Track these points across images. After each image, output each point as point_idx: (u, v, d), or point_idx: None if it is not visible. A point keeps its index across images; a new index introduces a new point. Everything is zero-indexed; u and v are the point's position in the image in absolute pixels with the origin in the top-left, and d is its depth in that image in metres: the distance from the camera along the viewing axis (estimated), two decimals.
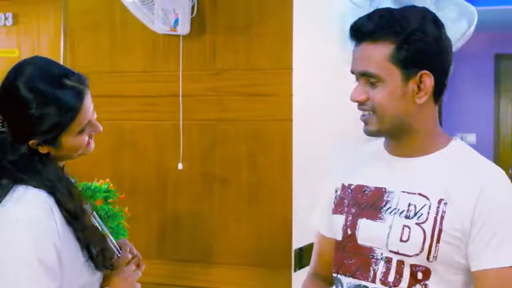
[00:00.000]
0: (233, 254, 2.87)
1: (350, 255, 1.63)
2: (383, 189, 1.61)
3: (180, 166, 2.90)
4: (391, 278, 1.55)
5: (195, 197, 2.92)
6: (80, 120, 1.62)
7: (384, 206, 1.59)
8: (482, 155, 1.62)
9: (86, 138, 1.67)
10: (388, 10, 1.58)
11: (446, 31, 1.59)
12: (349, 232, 1.63)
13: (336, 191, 1.72)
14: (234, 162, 2.87)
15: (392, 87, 1.54)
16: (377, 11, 1.58)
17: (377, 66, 1.53)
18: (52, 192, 1.59)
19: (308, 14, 2.94)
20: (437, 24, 1.57)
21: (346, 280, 1.63)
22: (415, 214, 1.54)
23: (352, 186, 1.67)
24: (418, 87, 1.54)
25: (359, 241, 1.61)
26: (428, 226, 1.52)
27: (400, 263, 1.54)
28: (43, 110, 1.57)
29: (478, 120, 7.46)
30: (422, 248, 1.52)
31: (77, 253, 1.61)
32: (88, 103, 1.64)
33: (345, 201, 1.67)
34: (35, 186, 1.59)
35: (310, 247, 2.82)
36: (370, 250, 1.59)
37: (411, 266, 1.53)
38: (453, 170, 1.56)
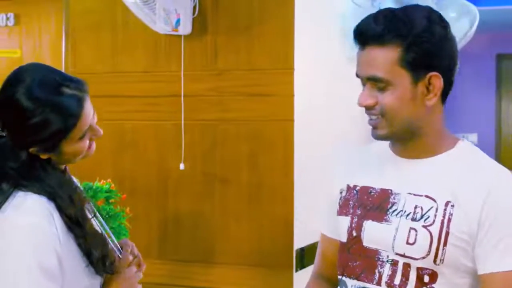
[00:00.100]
0: (234, 254, 2.87)
1: (355, 257, 1.61)
2: (389, 191, 1.59)
3: (182, 166, 2.90)
4: (397, 281, 1.54)
5: (196, 197, 2.93)
6: (80, 126, 1.61)
7: (390, 208, 1.57)
8: None
9: (87, 143, 1.65)
10: (392, 11, 1.55)
11: None
12: (354, 234, 1.62)
13: (341, 192, 1.70)
14: (236, 162, 2.87)
15: (401, 91, 1.52)
16: (381, 13, 1.55)
17: (386, 70, 1.51)
18: (52, 198, 1.58)
19: (309, 14, 2.94)
20: (443, 23, 1.55)
21: (350, 283, 1.62)
22: (421, 217, 1.53)
23: (358, 187, 1.66)
24: (427, 89, 1.53)
25: (365, 243, 1.59)
26: (435, 229, 1.50)
27: (407, 266, 1.53)
28: (42, 119, 1.56)
29: (480, 120, 7.46)
30: (429, 251, 1.50)
31: (78, 258, 1.60)
32: (88, 109, 1.62)
33: (350, 202, 1.65)
34: (35, 192, 1.58)
35: (311, 247, 2.83)
36: (375, 253, 1.57)
37: (418, 269, 1.52)
38: (460, 172, 1.55)
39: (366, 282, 1.58)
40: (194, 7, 2.85)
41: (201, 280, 2.92)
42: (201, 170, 2.91)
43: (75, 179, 1.78)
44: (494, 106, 7.59)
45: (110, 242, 1.77)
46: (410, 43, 1.50)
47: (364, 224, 1.60)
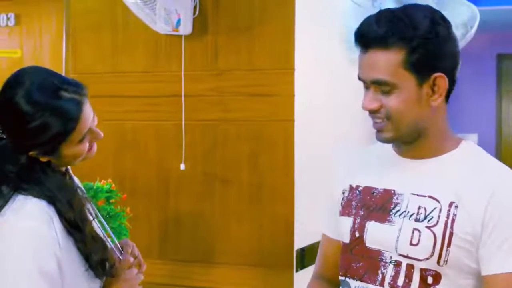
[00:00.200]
0: (235, 254, 2.86)
1: (358, 258, 1.61)
2: (392, 191, 1.58)
3: (182, 166, 2.90)
4: (400, 282, 1.53)
5: (197, 197, 2.92)
6: (79, 130, 1.60)
7: (393, 208, 1.56)
8: None
9: (87, 145, 1.65)
10: (393, 12, 1.53)
11: None
12: (357, 235, 1.61)
13: (343, 193, 1.69)
14: (236, 162, 2.86)
15: (407, 93, 1.50)
16: (382, 15, 1.52)
17: (390, 73, 1.49)
18: (52, 202, 1.58)
19: (310, 14, 2.94)
20: (445, 23, 1.54)
21: (353, 284, 1.61)
22: (425, 217, 1.52)
23: (360, 188, 1.65)
24: (432, 89, 1.52)
25: (367, 244, 1.59)
26: (438, 230, 1.50)
27: (410, 267, 1.52)
28: (42, 123, 1.56)
29: (480, 120, 7.45)
30: (433, 252, 1.50)
31: (77, 262, 1.60)
32: (88, 112, 1.62)
33: (353, 203, 1.65)
34: (35, 196, 1.58)
35: (312, 247, 2.83)
36: (378, 253, 1.57)
37: (421, 270, 1.51)
38: (464, 172, 1.54)
39: (369, 283, 1.57)
40: (195, 7, 2.84)
41: (202, 280, 2.92)
42: (201, 170, 2.91)
43: (76, 180, 1.78)
44: (495, 106, 7.59)
45: (111, 242, 1.77)
46: (414, 45, 1.48)
47: (367, 224, 1.59)
